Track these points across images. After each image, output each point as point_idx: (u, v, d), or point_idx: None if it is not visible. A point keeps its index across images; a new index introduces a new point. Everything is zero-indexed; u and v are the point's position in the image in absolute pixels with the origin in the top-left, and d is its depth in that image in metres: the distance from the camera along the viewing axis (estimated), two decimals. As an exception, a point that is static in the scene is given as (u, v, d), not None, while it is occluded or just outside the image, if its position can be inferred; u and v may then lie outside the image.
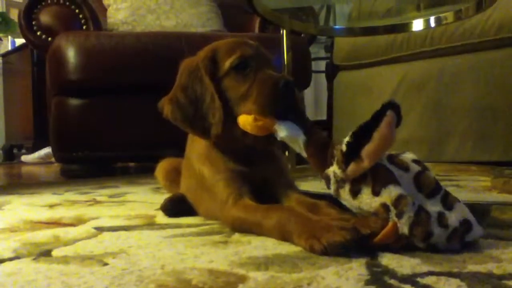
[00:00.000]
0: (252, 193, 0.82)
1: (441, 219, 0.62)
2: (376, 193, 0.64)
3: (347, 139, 0.65)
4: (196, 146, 0.92)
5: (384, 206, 0.63)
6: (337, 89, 2.43)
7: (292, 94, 0.78)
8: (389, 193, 0.63)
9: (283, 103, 0.77)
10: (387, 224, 0.62)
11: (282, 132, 0.76)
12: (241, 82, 0.82)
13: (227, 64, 0.83)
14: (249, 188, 0.83)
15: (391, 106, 0.63)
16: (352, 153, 0.64)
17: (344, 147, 0.65)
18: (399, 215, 0.62)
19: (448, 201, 0.65)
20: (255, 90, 0.80)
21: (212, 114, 0.82)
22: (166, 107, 0.87)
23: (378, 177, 0.64)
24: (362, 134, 0.63)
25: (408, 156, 0.69)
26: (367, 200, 0.65)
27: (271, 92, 0.78)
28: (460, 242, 0.62)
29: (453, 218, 0.63)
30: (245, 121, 0.80)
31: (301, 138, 0.74)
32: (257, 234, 0.75)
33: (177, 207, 0.98)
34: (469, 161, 1.85)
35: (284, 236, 0.70)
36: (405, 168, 0.66)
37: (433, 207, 0.63)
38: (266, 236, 0.73)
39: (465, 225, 0.63)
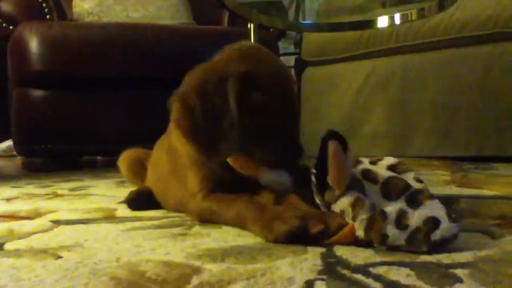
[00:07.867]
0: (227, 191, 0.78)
1: (400, 220, 0.59)
2: (336, 199, 0.66)
3: (313, 171, 0.69)
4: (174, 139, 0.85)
5: (341, 211, 0.65)
6: (304, 85, 2.44)
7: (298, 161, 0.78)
8: (347, 197, 0.65)
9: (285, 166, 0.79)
10: (345, 225, 0.63)
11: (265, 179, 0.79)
12: (265, 126, 0.75)
13: (261, 100, 0.74)
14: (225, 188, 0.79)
15: (333, 136, 0.66)
16: (322, 184, 0.68)
17: (314, 180, 0.69)
18: (354, 218, 0.63)
19: (417, 199, 0.61)
20: (272, 146, 0.76)
21: (225, 140, 0.73)
22: (176, 107, 0.75)
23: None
24: (322, 166, 0.67)
25: (385, 162, 0.70)
26: (334, 208, 0.67)
27: (283, 161, 0.77)
28: (427, 243, 0.57)
29: (416, 217, 0.59)
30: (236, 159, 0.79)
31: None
32: (223, 224, 0.76)
33: (143, 201, 0.96)
34: (433, 156, 1.89)
35: (241, 224, 0.72)
36: (375, 180, 0.66)
37: (394, 207, 0.61)
38: (229, 225, 0.75)
39: (430, 223, 0.58)
